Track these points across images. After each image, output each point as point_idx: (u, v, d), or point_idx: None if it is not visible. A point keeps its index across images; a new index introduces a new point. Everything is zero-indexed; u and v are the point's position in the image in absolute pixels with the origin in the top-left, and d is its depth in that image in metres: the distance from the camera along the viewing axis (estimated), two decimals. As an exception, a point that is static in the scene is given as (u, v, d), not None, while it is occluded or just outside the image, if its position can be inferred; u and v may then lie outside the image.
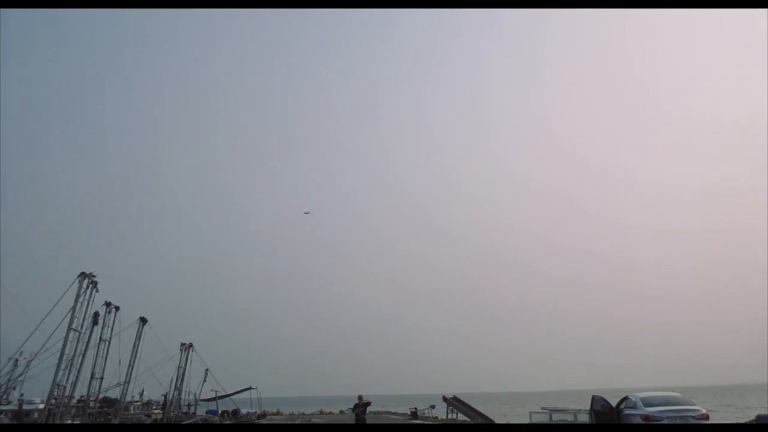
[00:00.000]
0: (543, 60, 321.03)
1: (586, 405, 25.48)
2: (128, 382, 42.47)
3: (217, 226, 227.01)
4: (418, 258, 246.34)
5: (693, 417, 18.75)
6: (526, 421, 33.42)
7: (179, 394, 50.45)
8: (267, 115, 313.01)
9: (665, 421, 18.72)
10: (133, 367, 42.24)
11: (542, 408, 37.02)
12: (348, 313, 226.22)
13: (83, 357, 34.57)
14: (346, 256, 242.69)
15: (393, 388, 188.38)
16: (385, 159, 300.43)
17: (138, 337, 42.35)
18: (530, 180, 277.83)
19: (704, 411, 19.41)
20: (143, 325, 42.51)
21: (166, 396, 49.88)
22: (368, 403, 32.55)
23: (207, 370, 53.20)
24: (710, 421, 19.59)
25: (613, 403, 22.44)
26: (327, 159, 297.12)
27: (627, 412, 20.93)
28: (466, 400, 39.86)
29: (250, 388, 65.60)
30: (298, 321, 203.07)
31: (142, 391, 55.43)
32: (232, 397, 60.81)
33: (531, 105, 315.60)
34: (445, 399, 33.41)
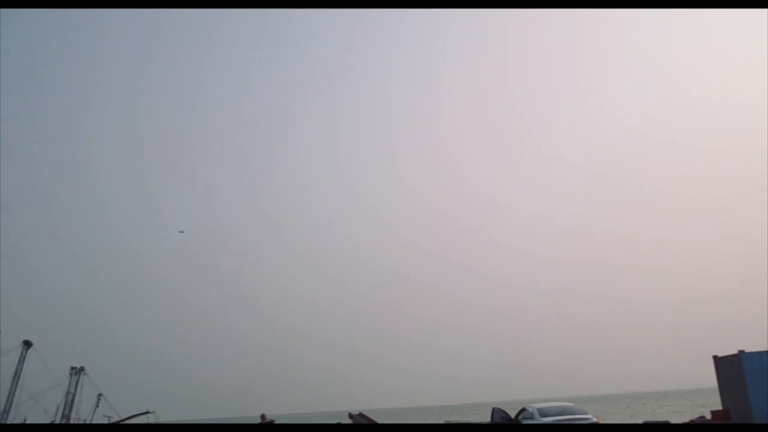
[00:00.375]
0: (440, 75, 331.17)
1: (487, 417, 26.17)
2: (8, 411, 39.33)
3: (110, 238, 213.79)
4: (324, 273, 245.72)
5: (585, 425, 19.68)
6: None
7: (67, 421, 47.21)
8: (183, 115, 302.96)
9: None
10: (14, 395, 39.19)
11: (445, 422, 37.60)
12: (252, 329, 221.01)
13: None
14: (254, 268, 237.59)
15: (297, 406, 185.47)
16: (292, 169, 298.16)
17: (21, 361, 39.39)
18: (426, 197, 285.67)
19: (595, 419, 20.43)
20: (27, 349, 39.61)
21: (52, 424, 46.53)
22: (272, 422, 31.77)
23: (100, 394, 50.22)
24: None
25: (513, 414, 23.17)
26: (239, 166, 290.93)
27: (525, 422, 21.65)
28: (372, 417, 39.85)
29: (147, 412, 62.44)
30: (199, 337, 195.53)
31: (24, 420, 51.47)
32: (127, 422, 57.61)
33: (429, 121, 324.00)
34: (350, 416, 33.15)
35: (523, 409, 22.47)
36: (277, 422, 32.91)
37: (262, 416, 32.67)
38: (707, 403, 51.96)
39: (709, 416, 25.05)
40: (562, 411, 20.71)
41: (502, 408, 24.49)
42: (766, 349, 22.90)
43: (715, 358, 24.77)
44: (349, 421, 32.54)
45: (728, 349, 23.66)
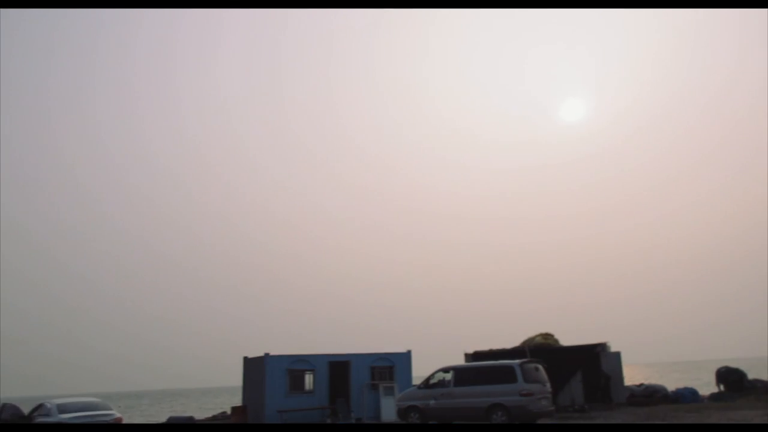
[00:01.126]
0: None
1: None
2: None
3: None
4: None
5: (106, 421, 19.28)
6: None
7: None
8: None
9: None
10: None
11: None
12: None
13: None
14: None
15: None
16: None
17: None
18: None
19: (118, 415, 20.14)
20: None
21: None
22: None
23: None
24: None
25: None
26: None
27: (41, 419, 19.99)
28: None
29: None
30: None
31: None
32: None
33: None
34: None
35: (40, 405, 20.73)
36: None
37: None
38: (235, 400, 56.31)
39: (229, 411, 27.20)
40: (85, 407, 19.92)
41: (13, 404, 21.94)
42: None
43: (245, 358, 27.09)
44: None
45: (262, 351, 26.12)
